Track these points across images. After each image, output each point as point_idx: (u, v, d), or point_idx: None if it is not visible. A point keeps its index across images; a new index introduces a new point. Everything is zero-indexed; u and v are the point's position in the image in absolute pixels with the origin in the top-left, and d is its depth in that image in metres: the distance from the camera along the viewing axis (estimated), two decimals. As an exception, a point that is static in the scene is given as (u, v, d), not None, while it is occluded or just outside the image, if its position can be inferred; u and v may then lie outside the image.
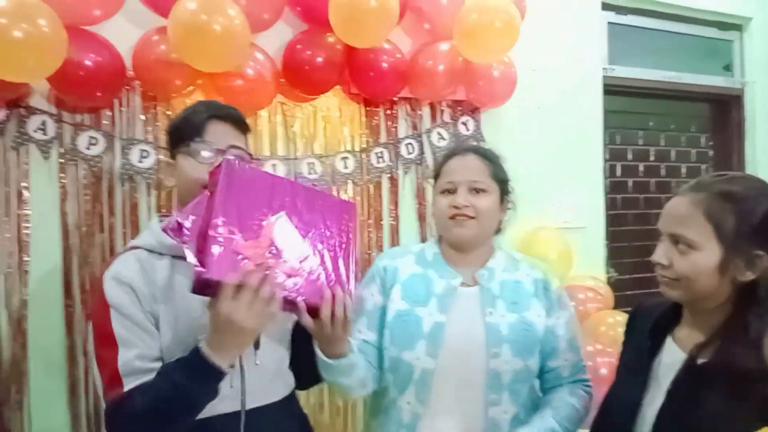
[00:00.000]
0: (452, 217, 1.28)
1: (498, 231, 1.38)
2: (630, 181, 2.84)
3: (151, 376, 1.00)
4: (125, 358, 1.00)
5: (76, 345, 1.72)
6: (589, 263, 2.42)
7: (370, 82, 1.94)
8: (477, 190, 1.29)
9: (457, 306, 1.27)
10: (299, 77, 1.85)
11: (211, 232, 0.90)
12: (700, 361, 0.97)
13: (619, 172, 2.81)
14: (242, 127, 1.17)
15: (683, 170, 2.97)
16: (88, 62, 1.56)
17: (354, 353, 1.17)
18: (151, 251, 1.10)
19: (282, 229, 1.00)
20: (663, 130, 2.95)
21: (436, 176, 1.36)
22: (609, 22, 2.65)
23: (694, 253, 0.96)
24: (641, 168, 2.87)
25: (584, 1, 2.52)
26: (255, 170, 1.04)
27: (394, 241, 2.07)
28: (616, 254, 2.66)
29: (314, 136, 1.99)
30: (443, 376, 1.23)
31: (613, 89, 2.63)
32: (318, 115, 1.99)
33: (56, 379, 1.72)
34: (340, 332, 1.07)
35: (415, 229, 2.14)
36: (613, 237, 2.66)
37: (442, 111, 2.18)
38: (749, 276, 0.94)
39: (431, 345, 1.24)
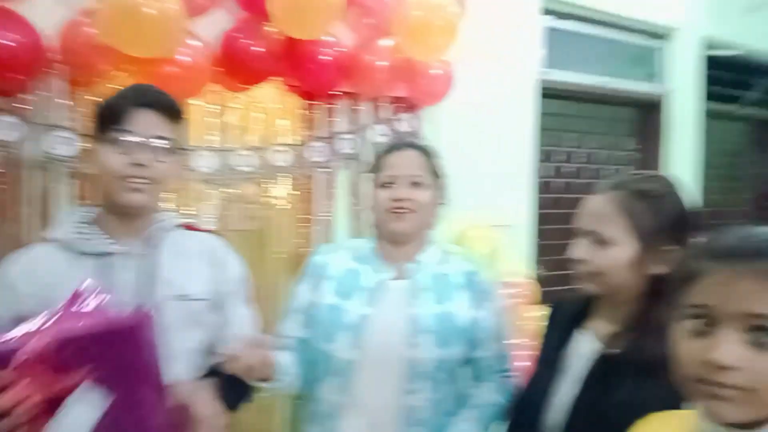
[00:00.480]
0: (392, 211, 1.31)
1: (434, 226, 1.41)
2: (561, 182, 2.95)
3: None
4: None
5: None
6: (518, 260, 2.51)
7: (310, 74, 1.92)
8: (416, 184, 1.32)
9: (385, 299, 1.31)
10: (236, 66, 1.80)
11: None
12: (612, 351, 1.03)
13: (551, 172, 2.92)
14: (172, 115, 1.13)
15: (611, 172, 3.12)
16: (5, 42, 1.46)
17: (282, 369, 1.21)
18: (60, 245, 1.09)
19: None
20: (594, 133, 3.07)
21: (376, 170, 1.38)
22: (547, 27, 2.72)
23: (611, 249, 1.02)
24: (572, 169, 2.99)
25: (523, 5, 2.58)
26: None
27: (328, 238, 2.08)
28: (545, 252, 2.77)
29: (249, 127, 1.95)
30: (365, 368, 1.27)
31: (548, 92, 2.72)
32: (254, 105, 1.95)
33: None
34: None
35: (350, 226, 2.15)
36: (543, 235, 2.76)
37: (382, 107, 2.18)
38: (661, 270, 1.00)
39: (354, 337, 1.27)
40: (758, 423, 0.66)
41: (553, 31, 2.76)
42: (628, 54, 3.10)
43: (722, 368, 0.64)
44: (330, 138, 2.06)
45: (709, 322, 0.67)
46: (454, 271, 1.37)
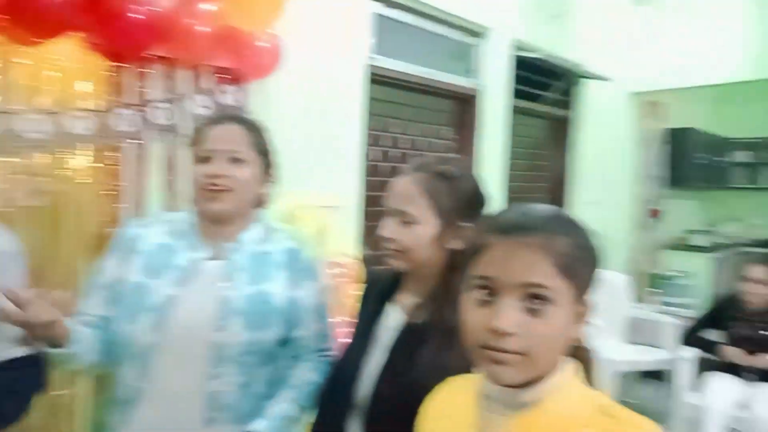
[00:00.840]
0: (207, 188, 1.23)
1: (261, 204, 1.36)
2: (387, 166, 3.05)
3: None
4: None
5: None
6: (345, 240, 2.55)
7: (117, 32, 1.71)
8: (236, 160, 1.24)
9: (198, 280, 1.23)
10: (25, 15, 1.55)
11: None
12: (416, 320, 1.10)
13: (379, 156, 3.00)
14: None
15: (428, 156, 3.30)
16: None
17: (75, 337, 1.11)
18: None
19: None
20: (418, 121, 3.22)
21: (194, 144, 1.28)
22: (376, 14, 2.78)
23: (415, 227, 1.09)
24: (398, 154, 3.11)
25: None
26: None
27: (138, 216, 1.90)
28: (371, 232, 2.85)
29: (41, 88, 1.69)
30: (167, 352, 1.19)
31: (377, 79, 2.78)
32: (48, 64, 1.70)
33: None
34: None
35: (164, 203, 1.98)
36: (370, 216, 2.84)
37: (203, 77, 2.04)
38: (457, 245, 1.08)
39: (157, 319, 1.18)
40: (532, 382, 0.73)
41: (383, 19, 2.82)
42: (448, 48, 3.30)
43: (502, 334, 0.69)
44: (141, 106, 1.88)
45: (491, 292, 0.72)
46: (276, 249, 1.33)
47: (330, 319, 1.42)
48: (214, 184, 1.23)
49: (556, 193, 4.32)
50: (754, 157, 6.29)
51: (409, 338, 1.09)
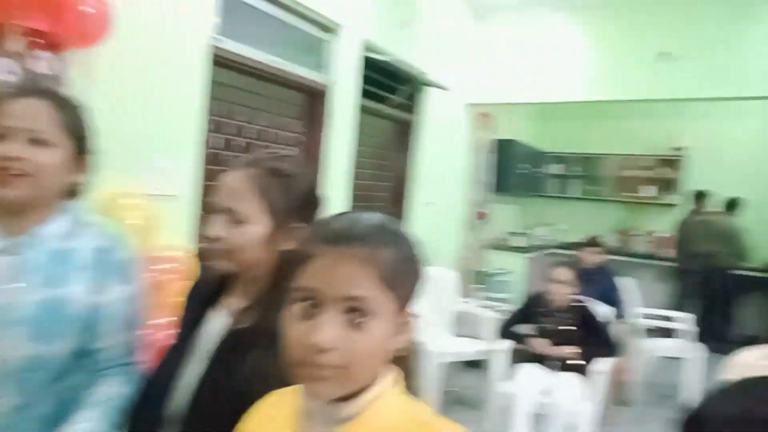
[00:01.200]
0: None
1: (73, 194, 1.19)
2: (230, 155, 2.91)
3: None
4: None
5: None
6: (177, 233, 2.38)
7: None
8: (37, 141, 1.07)
9: None
10: None
11: None
12: (241, 325, 1.02)
13: (220, 144, 2.85)
14: None
15: (262, 150, 3.22)
16: None
17: None
18: None
19: None
20: (265, 111, 3.12)
21: None
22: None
23: (246, 226, 1.01)
24: (242, 143, 2.98)
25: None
26: None
27: None
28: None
29: None
30: None
31: (222, 62, 2.63)
32: None
33: None
34: None
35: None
36: (206, 208, 2.68)
37: (11, 39, 1.75)
38: (289, 246, 1.01)
39: None
40: (352, 396, 0.72)
41: (232, 1, 2.68)
42: (300, 40, 3.24)
43: (321, 350, 0.67)
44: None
45: (314, 304, 0.69)
46: (82, 246, 1.16)
47: (141, 327, 1.27)
48: (6, 168, 1.05)
49: (398, 193, 4.50)
50: (565, 170, 7.19)
51: (233, 345, 1.01)
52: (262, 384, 0.87)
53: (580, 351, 3.05)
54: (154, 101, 2.26)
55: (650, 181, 6.67)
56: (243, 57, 2.79)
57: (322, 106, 3.39)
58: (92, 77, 1.99)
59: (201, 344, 1.05)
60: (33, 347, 1.06)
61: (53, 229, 1.14)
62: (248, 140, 3.01)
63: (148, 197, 2.18)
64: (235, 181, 1.03)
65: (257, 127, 3.07)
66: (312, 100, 3.39)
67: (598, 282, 3.92)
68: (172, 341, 1.14)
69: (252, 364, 0.97)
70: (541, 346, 3.13)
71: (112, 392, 1.16)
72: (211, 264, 1.04)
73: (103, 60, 2.02)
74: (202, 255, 1.20)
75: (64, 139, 1.12)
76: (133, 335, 1.23)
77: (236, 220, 1.01)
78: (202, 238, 1.07)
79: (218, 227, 1.01)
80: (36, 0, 1.68)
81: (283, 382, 0.85)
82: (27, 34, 1.78)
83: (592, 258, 4.11)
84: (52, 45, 1.85)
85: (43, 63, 1.84)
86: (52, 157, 1.10)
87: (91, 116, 1.20)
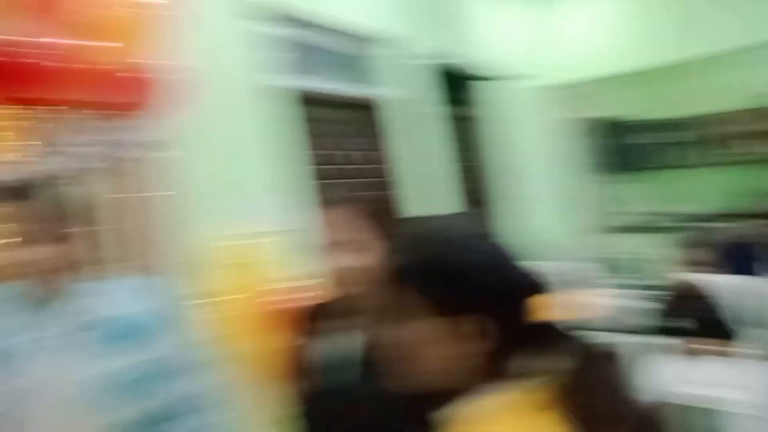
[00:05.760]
0: None
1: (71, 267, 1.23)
2: (326, 184, 2.96)
3: None
4: None
5: None
6: (291, 267, 2.42)
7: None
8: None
9: (43, 356, 1.11)
10: None
11: None
12: (370, 340, 1.13)
13: (317, 177, 2.91)
14: None
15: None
16: None
17: None
18: None
19: None
20: (347, 137, 3.18)
21: None
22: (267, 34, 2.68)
23: (363, 252, 1.11)
24: (334, 173, 3.02)
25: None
26: None
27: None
28: (313, 258, 2.73)
29: None
30: None
31: (311, 99, 2.76)
32: None
33: None
34: None
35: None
36: (312, 242, 2.72)
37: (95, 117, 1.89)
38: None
39: None
40: None
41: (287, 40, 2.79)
42: (343, 58, 3.26)
43: None
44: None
45: None
46: (126, 311, 1.23)
47: (205, 377, 1.30)
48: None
49: (483, 190, 4.33)
50: (670, 138, 6.56)
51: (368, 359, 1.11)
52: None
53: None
54: (248, 145, 2.39)
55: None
56: (324, 92, 2.89)
57: (374, 120, 3.36)
58: (188, 138, 2.12)
59: (335, 361, 1.16)
60: (130, 409, 1.14)
61: (92, 300, 1.22)
62: (340, 166, 3.04)
63: (255, 235, 2.24)
64: (344, 214, 1.16)
65: (345, 152, 3.11)
66: (362, 115, 3.36)
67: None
68: (309, 364, 1.24)
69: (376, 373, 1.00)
70: (701, 340, 2.77)
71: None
72: (341, 290, 1.18)
73: (197, 119, 2.14)
74: (337, 281, 1.21)
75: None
76: (194, 385, 1.28)
77: (358, 248, 1.12)
78: (330, 267, 1.18)
79: (342, 257, 1.14)
80: (117, 79, 1.80)
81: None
82: (117, 107, 1.93)
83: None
84: (137, 115, 1.98)
85: (135, 132, 1.97)
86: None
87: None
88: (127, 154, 1.93)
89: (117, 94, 1.86)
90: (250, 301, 2.11)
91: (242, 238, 2.19)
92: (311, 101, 3.00)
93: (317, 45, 3.11)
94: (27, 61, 1.62)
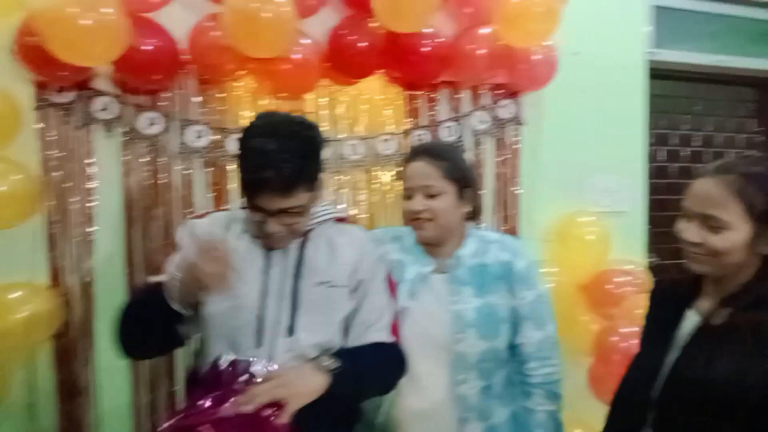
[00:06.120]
0: (412, 221, 1.40)
1: (472, 217, 1.48)
2: (674, 166, 2.81)
3: None
4: (154, 280, 1.24)
5: (137, 309, 1.88)
6: (628, 248, 2.42)
7: (412, 66, 1.99)
8: (431, 195, 1.38)
9: (427, 292, 1.40)
10: (343, 62, 1.91)
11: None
12: (715, 323, 1.05)
13: (663, 157, 2.78)
14: (287, 190, 1.14)
15: (730, 155, 2.91)
16: (147, 47, 1.68)
17: None
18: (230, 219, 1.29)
19: None
20: (709, 115, 2.88)
21: (401, 179, 1.47)
22: (654, 6, 2.60)
23: (726, 232, 1.03)
24: (686, 153, 2.83)
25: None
26: None
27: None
28: (657, 239, 2.64)
29: (357, 118, 2.06)
30: (411, 357, 1.34)
31: (658, 73, 2.60)
32: (361, 97, 2.06)
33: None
34: None
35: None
36: (656, 222, 2.64)
37: (482, 95, 2.21)
38: None
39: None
40: None
41: (660, 10, 2.63)
42: (749, 30, 2.87)
43: None
44: (432, 126, 2.13)
45: None
46: (492, 261, 1.42)
47: (551, 326, 1.44)
48: (417, 218, 1.39)
49: None
50: None
51: (708, 338, 1.06)
52: (737, 382, 0.92)
53: None
54: (598, 125, 2.40)
55: None
56: (680, 64, 2.68)
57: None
58: (542, 113, 2.29)
59: (676, 338, 1.12)
60: (483, 344, 1.36)
61: (467, 250, 1.44)
62: (692, 149, 2.83)
63: (598, 215, 2.31)
64: (710, 188, 1.06)
65: (702, 133, 2.85)
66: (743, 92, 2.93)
67: None
68: (644, 338, 1.24)
69: (727, 361, 0.99)
70: None
71: (540, 380, 1.41)
72: (691, 267, 1.10)
73: (550, 96, 2.29)
74: (660, 265, 1.26)
75: (448, 185, 1.39)
76: (543, 333, 1.42)
77: (714, 225, 1.04)
78: (678, 242, 1.12)
79: (695, 233, 1.07)
80: (499, 60, 2.06)
81: (763, 380, 0.83)
82: (493, 89, 2.22)
83: None
84: (511, 93, 2.23)
85: (504, 109, 2.23)
86: (444, 203, 1.38)
87: (461, 157, 1.49)
88: (503, 128, 2.22)
89: (505, 74, 2.14)
90: (583, 276, 2.24)
91: (584, 215, 2.29)
92: (694, 78, 2.81)
93: (712, 15, 2.83)
94: (447, 51, 1.99)
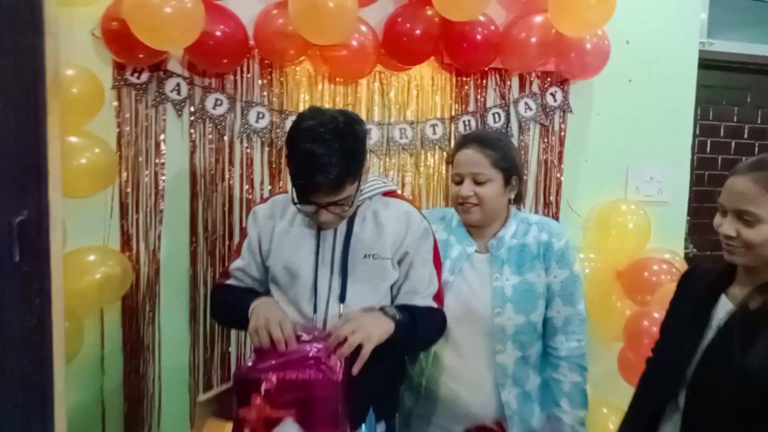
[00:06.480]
0: (460, 205, 1.50)
1: (516, 201, 1.58)
2: (720, 158, 2.80)
3: (240, 284, 1.43)
4: (235, 265, 1.44)
5: (198, 274, 2.03)
6: (669, 238, 2.45)
7: (463, 53, 2.05)
8: (479, 182, 1.48)
9: (469, 269, 1.52)
10: (398, 48, 1.99)
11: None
12: (752, 306, 1.11)
13: (708, 148, 2.78)
14: (335, 189, 1.23)
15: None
16: (218, 33, 1.79)
17: None
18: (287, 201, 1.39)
19: None
20: (761, 107, 2.85)
21: (450, 164, 1.56)
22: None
23: (760, 225, 1.10)
24: (733, 145, 2.82)
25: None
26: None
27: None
28: (698, 230, 2.67)
29: (407, 103, 2.14)
30: (454, 328, 1.48)
31: (709, 63, 2.58)
32: (412, 83, 2.14)
33: (181, 301, 2.04)
34: None
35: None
36: (697, 213, 2.66)
37: (531, 82, 2.26)
38: None
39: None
40: None
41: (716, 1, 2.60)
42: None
43: None
44: (479, 112, 2.19)
45: None
46: (531, 241, 1.52)
47: (580, 304, 1.54)
48: (464, 202, 1.49)
49: None
50: None
51: (745, 321, 1.11)
52: None
53: None
54: (644, 115, 2.41)
55: None
56: (733, 54, 2.66)
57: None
58: (589, 102, 2.32)
59: (712, 326, 1.18)
60: (519, 317, 1.47)
61: (509, 231, 1.54)
62: (740, 141, 2.81)
63: (640, 204, 2.35)
64: (744, 185, 1.11)
65: (751, 125, 2.83)
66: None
67: None
68: (674, 321, 1.32)
69: (762, 346, 1.05)
70: None
71: (570, 383, 1.50)
72: (728, 259, 1.17)
73: (599, 84, 2.32)
74: (697, 256, 1.31)
75: (496, 173, 1.49)
76: (572, 309, 1.52)
77: (749, 220, 1.10)
78: (713, 235, 1.20)
79: (730, 226, 1.13)
80: (551, 48, 2.10)
81: None
82: (542, 76, 2.26)
83: None
84: (560, 81, 2.27)
85: (552, 97, 2.27)
86: (490, 190, 1.49)
87: (510, 145, 1.57)
88: (550, 115, 2.27)
89: (556, 62, 2.19)
90: (620, 263, 2.29)
91: (626, 204, 2.33)
92: (746, 68, 2.78)
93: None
94: (497, 38, 2.05)
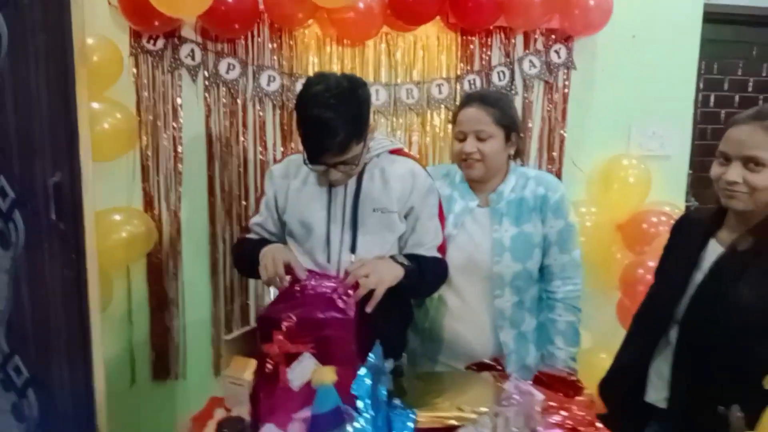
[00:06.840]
0: (462, 161, 1.58)
1: (516, 156, 1.67)
2: (723, 112, 2.83)
3: (258, 238, 1.54)
4: (254, 221, 1.56)
5: (217, 232, 2.15)
6: (671, 191, 2.51)
7: (468, 12, 2.08)
8: (481, 138, 1.56)
9: (471, 223, 1.62)
10: (404, 9, 2.02)
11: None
12: (740, 248, 1.20)
13: (712, 102, 2.80)
14: (342, 150, 1.32)
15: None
16: (231, -1, 1.85)
17: None
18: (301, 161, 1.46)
19: None
20: (766, 60, 2.86)
21: (453, 124, 1.64)
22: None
23: (765, 170, 1.16)
24: (737, 99, 2.84)
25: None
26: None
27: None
28: (699, 184, 2.72)
29: (413, 63, 2.20)
30: (458, 277, 1.59)
31: (714, 17, 2.58)
32: (418, 44, 2.19)
33: (202, 257, 2.17)
34: None
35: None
36: (700, 167, 2.70)
37: (535, 39, 2.29)
38: None
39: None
40: None
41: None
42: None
43: None
44: (484, 71, 2.24)
45: None
46: (529, 195, 1.62)
47: (575, 251, 1.65)
48: (467, 158, 1.57)
49: None
50: None
51: (734, 261, 1.20)
52: (760, 304, 1.06)
53: None
54: (648, 70, 2.42)
55: None
56: (738, 7, 2.65)
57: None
58: (593, 58, 2.35)
59: (702, 267, 1.27)
60: (517, 265, 1.59)
61: (508, 185, 1.63)
62: (744, 94, 2.83)
63: (642, 158, 2.40)
64: (749, 133, 1.17)
65: (756, 78, 2.84)
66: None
67: None
68: (668, 263, 1.41)
69: (754, 282, 1.15)
70: None
71: (565, 322, 1.63)
72: (729, 205, 1.23)
73: (602, 41, 2.34)
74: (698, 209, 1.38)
75: (497, 130, 1.57)
76: (568, 257, 1.63)
77: (755, 164, 1.16)
78: (718, 184, 1.25)
79: (735, 173, 1.19)
80: (556, 5, 2.13)
81: None
82: (546, 34, 2.29)
83: None
84: (564, 38, 2.30)
85: (556, 54, 2.31)
86: (492, 146, 1.56)
87: (511, 104, 1.64)
88: (554, 73, 2.31)
89: (560, 19, 2.21)
90: (621, 217, 2.36)
91: (628, 159, 2.38)
92: (748, 21, 2.77)
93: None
94: None
